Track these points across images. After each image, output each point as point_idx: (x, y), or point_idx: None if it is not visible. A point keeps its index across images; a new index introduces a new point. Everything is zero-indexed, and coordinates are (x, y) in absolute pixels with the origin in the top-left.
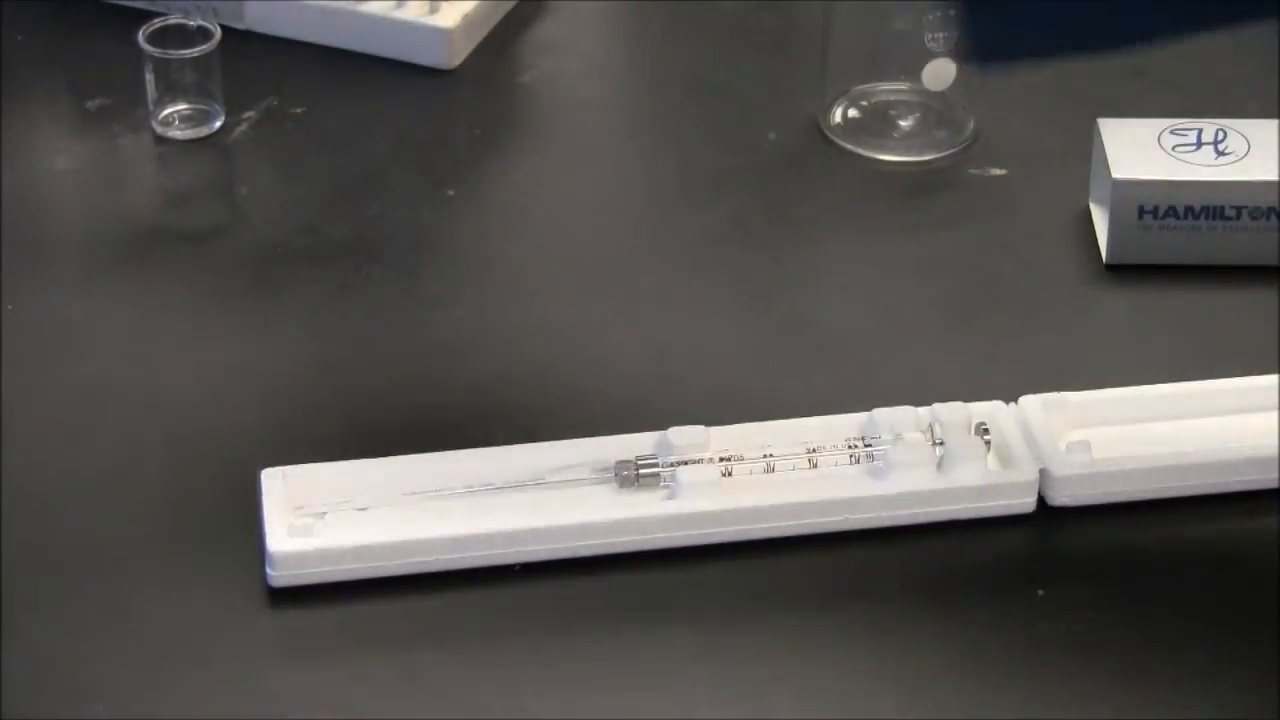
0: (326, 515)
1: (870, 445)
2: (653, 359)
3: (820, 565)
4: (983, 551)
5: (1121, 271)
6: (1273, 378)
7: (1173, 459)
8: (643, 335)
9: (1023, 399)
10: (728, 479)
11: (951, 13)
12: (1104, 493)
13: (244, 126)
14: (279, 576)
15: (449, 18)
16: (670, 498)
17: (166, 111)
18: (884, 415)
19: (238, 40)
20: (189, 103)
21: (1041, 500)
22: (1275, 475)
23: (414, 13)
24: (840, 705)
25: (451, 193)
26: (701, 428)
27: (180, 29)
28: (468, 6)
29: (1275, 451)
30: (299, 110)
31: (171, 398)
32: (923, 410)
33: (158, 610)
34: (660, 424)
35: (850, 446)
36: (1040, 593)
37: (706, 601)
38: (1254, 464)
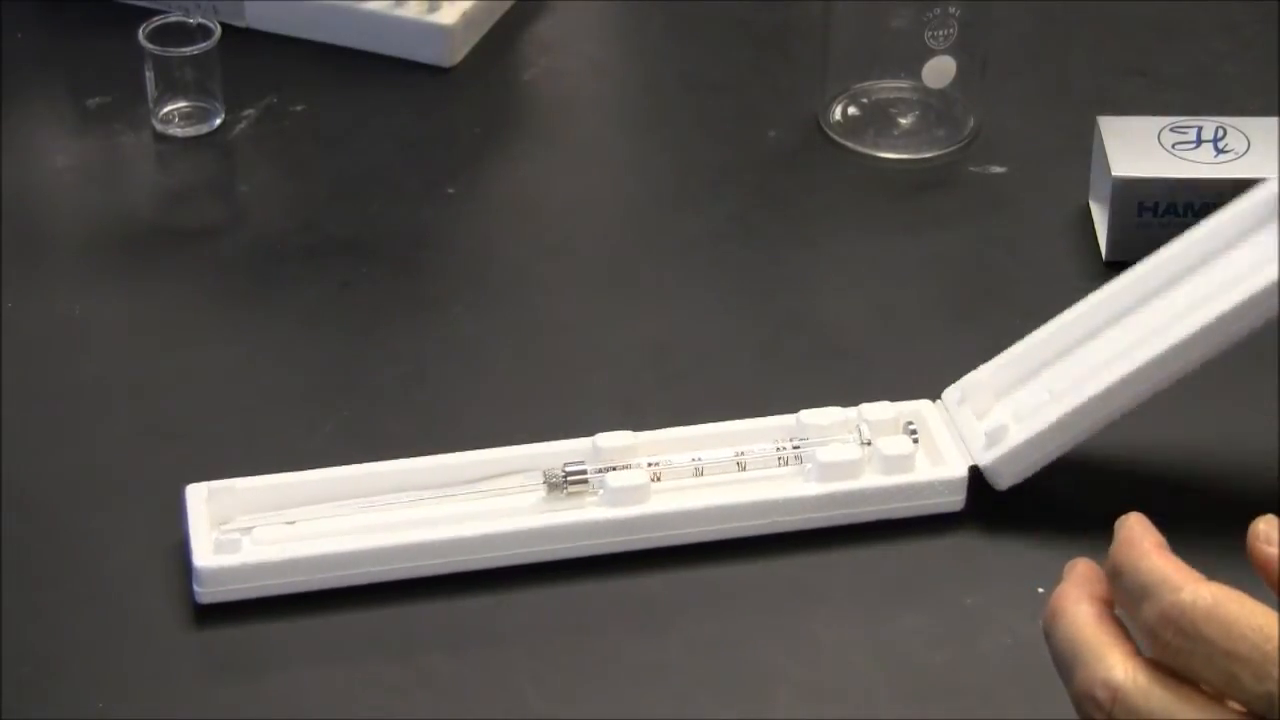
0: (254, 530)
1: (799, 447)
2: (652, 357)
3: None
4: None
5: (1121, 269)
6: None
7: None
8: (642, 333)
9: (945, 393)
10: (657, 483)
11: (952, 10)
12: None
13: (244, 124)
14: (205, 593)
15: (449, 15)
16: (600, 504)
17: (167, 109)
18: (811, 416)
19: (238, 38)
20: (189, 100)
21: (975, 496)
22: None
23: (414, 10)
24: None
25: (451, 191)
26: (629, 433)
27: (180, 27)
28: (467, 4)
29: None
30: (299, 108)
31: (171, 395)
32: (850, 411)
33: (158, 612)
34: (661, 422)
35: (778, 449)
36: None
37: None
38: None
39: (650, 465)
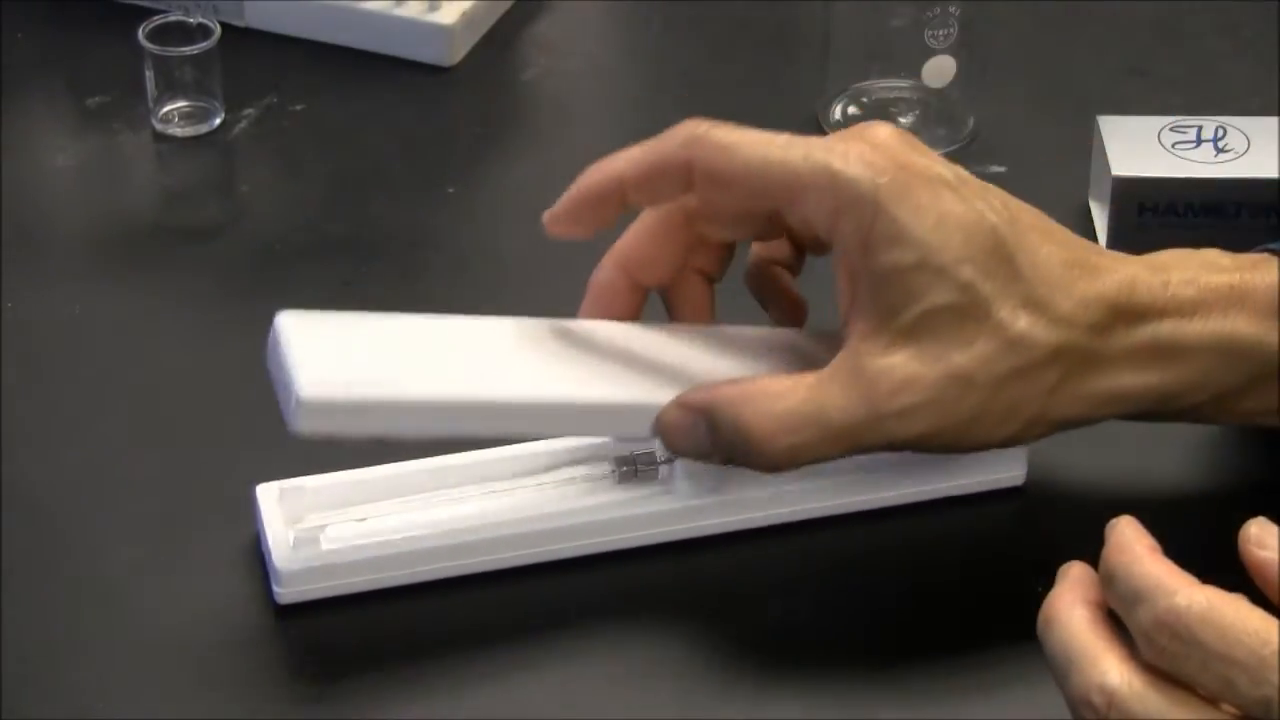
0: (327, 528)
1: None
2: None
3: (818, 548)
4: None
5: None
6: None
7: None
8: None
9: None
10: (725, 469)
11: (952, 10)
12: None
13: (244, 124)
14: (286, 594)
15: (449, 15)
16: (668, 491)
17: (166, 109)
18: None
19: (237, 37)
20: (189, 100)
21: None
22: None
23: (414, 10)
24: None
25: (452, 190)
26: None
27: (180, 26)
28: (467, 4)
29: None
30: (299, 107)
31: (171, 396)
32: None
33: (158, 612)
34: None
35: None
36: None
37: (710, 592)
38: None
39: None
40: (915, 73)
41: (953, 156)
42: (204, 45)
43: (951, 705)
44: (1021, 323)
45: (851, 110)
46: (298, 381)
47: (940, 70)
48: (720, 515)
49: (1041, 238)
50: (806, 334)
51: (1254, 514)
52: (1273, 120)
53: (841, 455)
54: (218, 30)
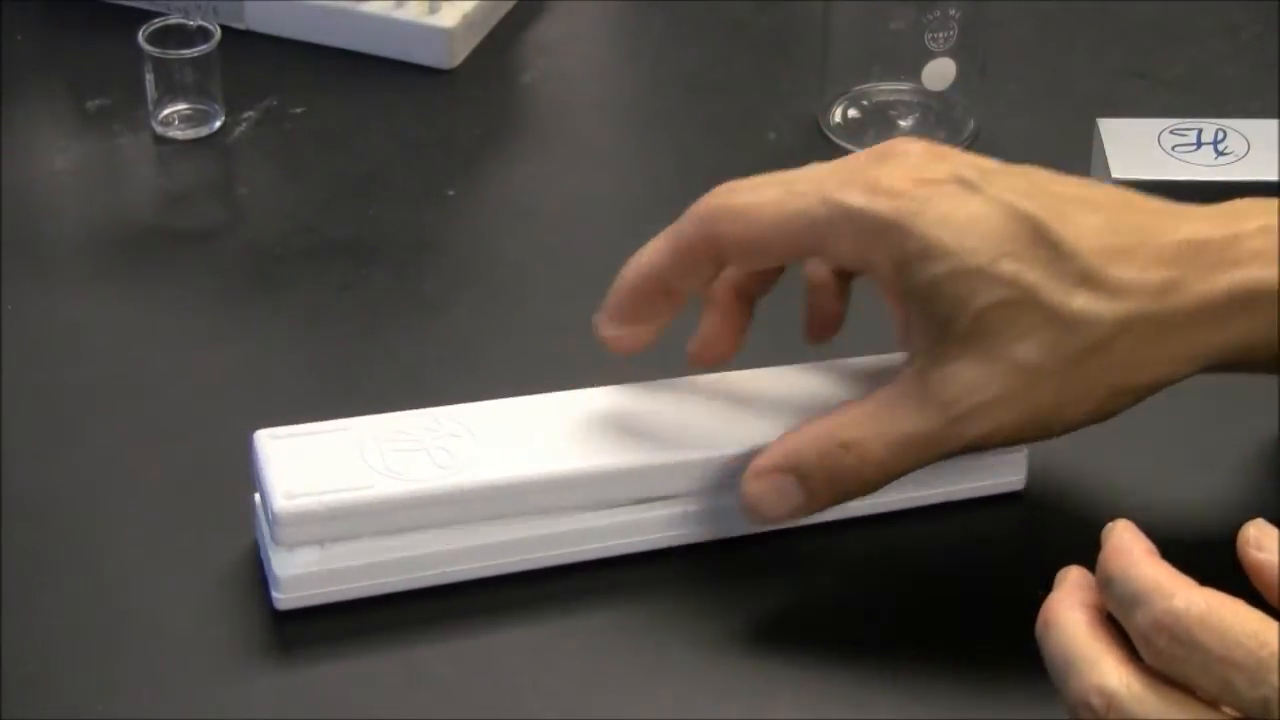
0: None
1: None
2: (652, 358)
3: (819, 552)
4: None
5: None
6: None
7: None
8: None
9: None
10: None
11: (952, 13)
12: None
13: (244, 126)
14: (285, 599)
15: (449, 18)
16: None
17: (166, 111)
18: None
19: (237, 40)
20: (189, 103)
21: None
22: None
23: (414, 13)
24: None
25: (451, 192)
26: None
27: (180, 29)
28: (468, 6)
29: None
30: (299, 110)
31: (171, 398)
32: None
33: (158, 614)
34: None
35: None
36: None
37: (711, 595)
38: None
39: None
40: (915, 75)
41: None
42: (204, 48)
43: (951, 707)
44: (1078, 302)
45: (851, 113)
46: (273, 497)
47: (940, 73)
48: (721, 521)
49: (1086, 208)
50: (840, 366)
51: (1252, 516)
52: (1273, 123)
53: (928, 463)
54: (218, 33)
